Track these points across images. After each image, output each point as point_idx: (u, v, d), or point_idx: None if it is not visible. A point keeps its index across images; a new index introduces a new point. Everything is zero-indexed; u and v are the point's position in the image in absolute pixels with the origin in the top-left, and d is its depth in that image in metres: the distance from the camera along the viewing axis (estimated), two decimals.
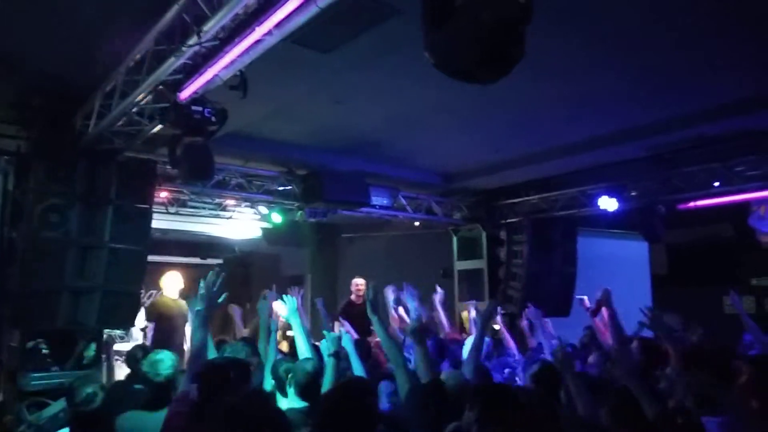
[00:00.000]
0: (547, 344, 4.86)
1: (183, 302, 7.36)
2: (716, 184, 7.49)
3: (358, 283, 8.12)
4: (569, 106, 6.18)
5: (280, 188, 7.95)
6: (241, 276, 10.29)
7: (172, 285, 7.51)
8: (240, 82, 4.28)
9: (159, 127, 4.97)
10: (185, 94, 4.33)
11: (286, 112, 6.21)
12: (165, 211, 8.65)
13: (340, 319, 6.69)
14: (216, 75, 4.06)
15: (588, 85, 5.69)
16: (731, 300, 5.93)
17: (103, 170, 5.81)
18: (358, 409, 2.44)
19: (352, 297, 8.17)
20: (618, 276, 9.73)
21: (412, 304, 5.85)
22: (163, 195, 7.65)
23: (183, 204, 8.75)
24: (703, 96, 6.01)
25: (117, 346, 7.69)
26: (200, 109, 4.47)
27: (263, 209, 9.21)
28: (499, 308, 5.28)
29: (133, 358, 5.10)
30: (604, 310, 4.73)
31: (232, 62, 3.86)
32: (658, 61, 5.18)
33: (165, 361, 3.72)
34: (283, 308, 4.55)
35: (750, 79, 5.57)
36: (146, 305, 7.79)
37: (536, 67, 4.82)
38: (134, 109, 4.82)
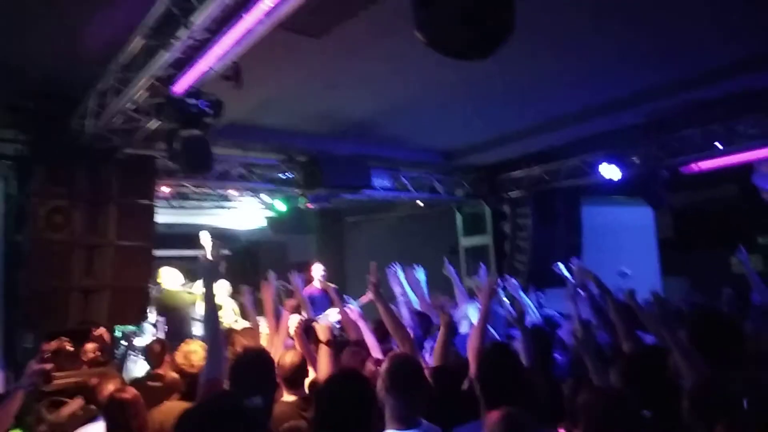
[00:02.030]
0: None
1: (186, 293, 7.52)
2: (718, 144, 7.44)
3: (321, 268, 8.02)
4: (566, 76, 6.14)
5: (281, 176, 7.95)
6: (248, 265, 10.31)
7: (171, 278, 7.69)
8: (234, 73, 4.27)
9: (156, 122, 4.97)
10: (180, 87, 4.33)
11: (282, 100, 6.20)
12: (168, 205, 8.69)
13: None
14: (209, 67, 4.05)
15: (584, 54, 5.65)
16: (738, 255, 5.78)
17: (103, 169, 5.84)
18: (357, 398, 2.43)
19: (316, 284, 7.95)
20: (624, 243, 9.77)
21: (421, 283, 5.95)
22: (165, 190, 7.68)
23: (186, 197, 8.79)
24: (698, 58, 5.97)
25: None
26: (196, 101, 4.47)
27: (266, 198, 9.25)
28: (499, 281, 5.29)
29: (152, 352, 5.15)
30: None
31: (225, 53, 3.85)
32: (652, 26, 5.14)
33: (198, 351, 3.77)
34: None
35: (744, 39, 5.53)
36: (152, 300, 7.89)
37: (531, 39, 4.80)
38: (130, 106, 4.82)
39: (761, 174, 9.32)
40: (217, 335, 2.79)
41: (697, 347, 2.78)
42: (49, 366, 3.41)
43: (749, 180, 9.65)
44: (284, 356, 3.57)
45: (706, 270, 10.65)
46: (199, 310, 7.98)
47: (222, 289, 7.85)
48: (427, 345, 4.49)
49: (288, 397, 3.50)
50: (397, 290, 5.56)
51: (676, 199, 11.30)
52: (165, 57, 3.91)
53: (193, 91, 4.43)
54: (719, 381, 2.40)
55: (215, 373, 2.64)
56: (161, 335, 6.95)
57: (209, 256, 2.96)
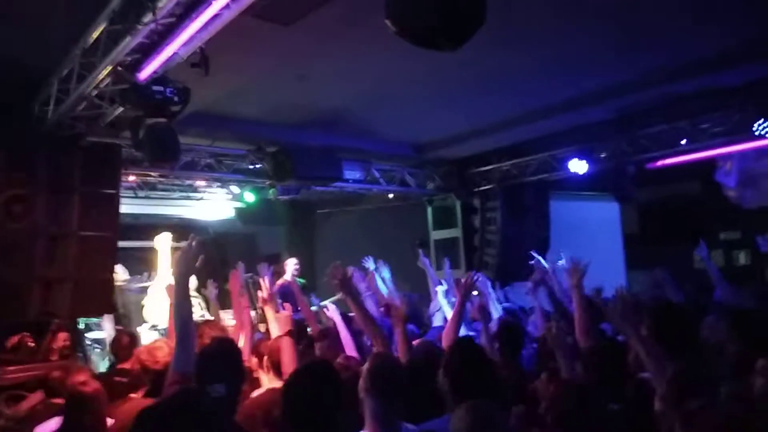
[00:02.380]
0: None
1: (127, 291, 7.84)
2: (683, 142, 7.59)
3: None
4: (537, 70, 6.18)
5: (251, 167, 7.85)
6: (217, 257, 10.18)
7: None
8: (201, 59, 4.19)
9: (120, 109, 4.84)
10: (145, 74, 4.22)
11: (250, 89, 6.11)
12: (134, 195, 8.52)
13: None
14: (175, 53, 3.96)
15: (553, 50, 5.69)
16: (698, 250, 5.91)
17: (66, 157, 5.68)
18: (325, 391, 2.39)
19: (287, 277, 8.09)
20: (590, 237, 9.91)
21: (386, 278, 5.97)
22: (131, 179, 7.52)
23: (153, 187, 8.64)
24: (667, 55, 6.05)
25: (91, 335, 7.62)
26: (161, 89, 4.37)
27: (235, 189, 9.13)
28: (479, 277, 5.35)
29: (119, 344, 5.04)
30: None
31: (191, 38, 3.76)
32: (623, 21, 5.19)
33: (162, 347, 3.69)
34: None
35: (712, 36, 5.62)
36: None
37: (501, 34, 4.80)
38: (93, 93, 4.69)
39: (723, 171, 9.59)
40: (187, 328, 2.71)
41: (657, 339, 2.83)
42: None
43: (712, 177, 9.90)
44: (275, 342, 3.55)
45: (669, 265, 10.89)
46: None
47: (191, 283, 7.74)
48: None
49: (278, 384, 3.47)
50: (361, 286, 5.55)
51: (642, 195, 11.52)
52: (129, 42, 3.81)
53: (159, 78, 4.32)
54: (692, 371, 2.44)
55: (185, 367, 2.57)
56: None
57: (187, 250, 2.85)
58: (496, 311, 5.38)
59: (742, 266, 11.23)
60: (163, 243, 7.53)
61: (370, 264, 6.14)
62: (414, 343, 4.08)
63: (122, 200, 6.45)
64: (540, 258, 5.46)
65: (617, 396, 2.99)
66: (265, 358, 3.64)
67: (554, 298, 4.82)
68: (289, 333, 3.64)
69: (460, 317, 4.28)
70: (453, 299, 5.54)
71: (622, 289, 3.22)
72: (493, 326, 4.40)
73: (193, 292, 8.09)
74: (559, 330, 3.52)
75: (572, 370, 3.27)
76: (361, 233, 10.65)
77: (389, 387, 2.58)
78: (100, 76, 4.34)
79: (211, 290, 6.03)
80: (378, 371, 2.62)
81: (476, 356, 3.03)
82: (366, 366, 2.69)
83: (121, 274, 7.89)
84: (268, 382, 3.60)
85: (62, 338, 5.70)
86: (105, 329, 7.30)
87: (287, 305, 4.41)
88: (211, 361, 2.69)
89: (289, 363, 3.44)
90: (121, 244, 6.60)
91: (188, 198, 9.36)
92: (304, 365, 2.79)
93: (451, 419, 2.34)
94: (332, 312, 4.74)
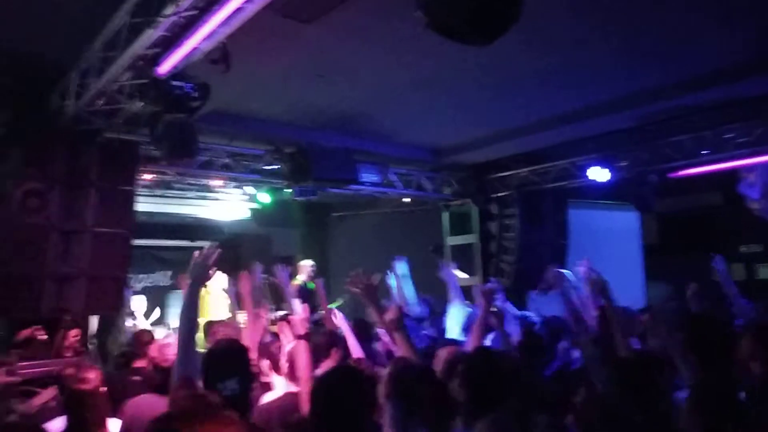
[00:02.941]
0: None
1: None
2: (705, 152, 7.43)
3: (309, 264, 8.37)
4: (558, 76, 6.07)
5: (267, 167, 7.79)
6: (231, 258, 10.15)
7: None
8: (221, 56, 4.13)
9: (139, 105, 4.79)
10: (164, 68, 4.16)
11: (269, 88, 6.06)
12: (150, 193, 8.50)
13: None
14: (196, 47, 3.90)
15: (577, 55, 5.59)
16: (715, 264, 5.74)
17: (83, 152, 5.65)
18: (355, 395, 2.31)
19: (302, 278, 8.18)
20: (609, 247, 9.74)
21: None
22: (147, 177, 7.48)
23: (169, 186, 8.62)
24: (692, 64, 5.93)
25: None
26: (181, 84, 4.31)
27: (251, 189, 9.08)
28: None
29: (140, 341, 5.00)
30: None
31: (212, 33, 3.70)
32: (646, 29, 5.10)
33: (172, 345, 3.63)
34: None
35: (738, 46, 5.50)
36: None
37: (525, 38, 4.75)
38: (113, 87, 4.64)
39: (747, 183, 9.37)
40: (191, 333, 2.66)
41: (692, 350, 2.72)
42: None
43: (734, 188, 9.70)
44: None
45: (688, 276, 10.69)
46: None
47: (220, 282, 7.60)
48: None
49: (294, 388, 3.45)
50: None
51: (662, 205, 11.33)
52: (151, 35, 3.75)
53: (179, 73, 4.26)
54: (717, 383, 2.33)
55: (188, 371, 2.51)
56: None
57: (203, 256, 2.82)
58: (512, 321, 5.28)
59: (763, 280, 11.02)
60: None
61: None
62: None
63: (138, 198, 6.42)
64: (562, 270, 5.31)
65: (646, 410, 2.87)
66: (282, 360, 3.59)
67: (570, 304, 4.64)
68: (305, 336, 3.56)
69: (485, 324, 4.20)
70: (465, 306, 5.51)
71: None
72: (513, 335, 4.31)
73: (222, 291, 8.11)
74: (594, 347, 3.40)
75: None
76: (376, 237, 10.58)
77: (410, 393, 2.50)
78: (120, 70, 4.29)
79: (230, 289, 5.96)
80: (400, 376, 2.55)
81: (496, 366, 2.92)
82: (387, 370, 2.63)
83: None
84: (284, 385, 3.53)
85: (73, 334, 5.66)
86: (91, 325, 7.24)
87: (305, 306, 4.34)
88: (221, 359, 2.68)
89: (303, 367, 3.38)
90: (136, 242, 6.57)
91: (204, 198, 9.35)
92: (333, 369, 2.72)
93: None
94: (339, 319, 4.64)
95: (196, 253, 2.86)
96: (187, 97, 4.36)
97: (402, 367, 2.64)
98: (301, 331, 3.64)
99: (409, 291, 5.97)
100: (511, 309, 5.43)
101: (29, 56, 5.01)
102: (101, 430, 3.08)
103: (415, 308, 6.05)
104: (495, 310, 4.88)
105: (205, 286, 3.04)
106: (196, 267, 2.80)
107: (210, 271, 2.82)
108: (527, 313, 6.30)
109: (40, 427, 3.14)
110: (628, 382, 3.13)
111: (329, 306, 5.52)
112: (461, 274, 8.96)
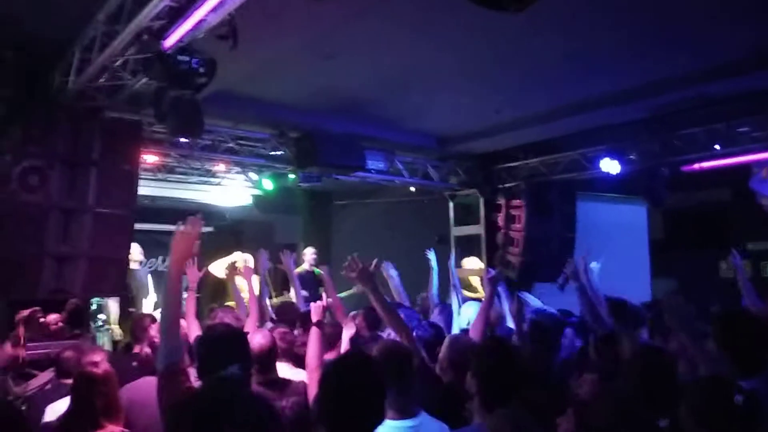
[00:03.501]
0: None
1: (141, 273, 7.88)
2: (717, 146, 7.28)
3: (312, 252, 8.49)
4: (569, 65, 5.93)
5: (272, 152, 7.67)
6: (232, 244, 10.04)
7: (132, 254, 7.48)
8: (229, 30, 3.99)
9: (143, 81, 4.66)
10: (170, 41, 4.02)
11: (275, 69, 5.91)
12: (153, 177, 8.40)
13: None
14: (203, 19, 3.75)
15: (589, 44, 5.47)
16: (732, 260, 5.63)
17: (85, 130, 5.52)
18: (363, 383, 2.21)
19: (306, 266, 8.26)
20: (616, 241, 9.62)
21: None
22: (150, 160, 7.36)
23: (171, 170, 8.52)
24: (706, 55, 5.79)
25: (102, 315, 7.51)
26: (187, 59, 4.17)
27: (254, 175, 8.97)
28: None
29: (140, 326, 4.89)
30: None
31: (220, 3, 3.55)
32: (659, 19, 4.96)
33: None
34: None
35: (753, 37, 5.36)
36: None
37: (535, 24, 4.64)
38: (116, 62, 4.50)
39: (759, 178, 9.22)
40: (177, 316, 2.48)
41: (723, 348, 2.60)
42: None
43: (743, 184, 9.54)
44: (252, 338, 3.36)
45: (694, 272, 10.60)
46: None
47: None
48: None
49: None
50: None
51: (670, 200, 11.22)
52: (156, 4, 3.61)
53: (185, 48, 4.12)
54: (720, 386, 2.22)
55: (173, 358, 2.37)
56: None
57: (183, 230, 2.54)
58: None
59: None
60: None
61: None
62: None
63: (140, 181, 6.30)
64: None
65: (663, 409, 2.74)
66: (280, 343, 3.56)
67: (586, 296, 4.57)
68: (317, 324, 3.46)
69: (489, 311, 4.17)
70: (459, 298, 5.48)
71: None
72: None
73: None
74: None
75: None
76: (380, 226, 10.47)
77: (402, 373, 2.60)
78: (124, 43, 4.15)
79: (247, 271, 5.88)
80: (388, 358, 2.62)
81: (509, 357, 2.81)
82: (375, 355, 2.64)
83: (137, 254, 7.76)
84: (289, 372, 3.46)
85: (54, 320, 5.56)
86: (111, 310, 7.19)
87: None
88: (220, 345, 2.58)
89: (314, 355, 3.32)
90: (137, 226, 6.45)
91: (206, 183, 9.24)
92: (344, 355, 2.64)
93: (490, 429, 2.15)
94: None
95: (179, 225, 2.56)
96: (193, 72, 4.22)
97: (388, 350, 2.76)
98: (318, 317, 3.53)
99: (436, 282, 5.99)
100: (532, 300, 5.33)
101: (30, 30, 4.86)
102: (110, 418, 2.96)
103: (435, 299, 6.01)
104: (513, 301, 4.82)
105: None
106: (179, 241, 2.53)
107: (194, 247, 2.56)
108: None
109: (21, 414, 3.04)
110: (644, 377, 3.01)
111: (339, 295, 5.43)
112: (475, 264, 8.87)
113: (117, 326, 7.46)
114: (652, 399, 2.70)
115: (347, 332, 4.12)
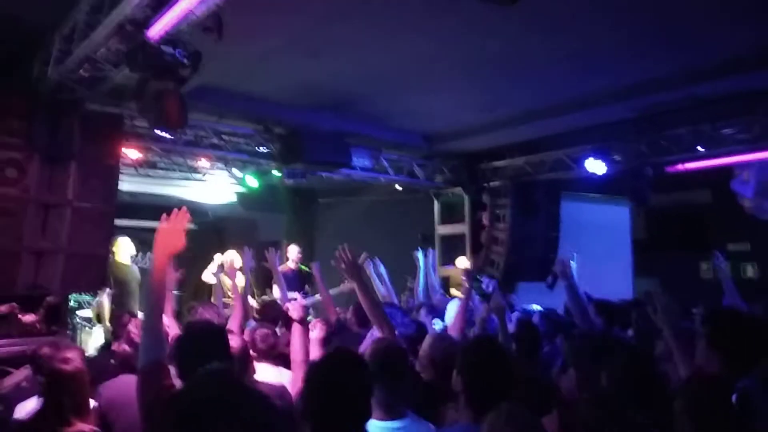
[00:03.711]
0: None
1: (135, 267, 7.54)
2: (702, 148, 7.32)
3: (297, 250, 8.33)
4: (556, 65, 5.94)
5: (257, 148, 7.56)
6: (215, 241, 9.92)
7: (123, 250, 7.47)
8: (215, 22, 3.90)
9: (124, 73, 4.54)
10: (154, 32, 3.91)
11: (262, 65, 5.85)
12: (135, 173, 8.25)
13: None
14: (190, 11, 3.66)
15: (575, 44, 5.46)
16: (716, 261, 5.62)
17: (64, 123, 5.39)
18: (348, 381, 2.15)
19: (290, 264, 8.11)
20: (599, 240, 9.67)
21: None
22: (132, 156, 7.23)
23: (153, 166, 8.38)
24: (692, 56, 5.80)
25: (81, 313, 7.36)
26: (171, 50, 4.05)
27: (238, 172, 8.85)
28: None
29: (119, 323, 4.79)
30: None
31: None
32: (646, 19, 4.97)
33: None
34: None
35: (740, 38, 5.38)
36: None
37: (524, 22, 4.67)
38: (98, 52, 4.38)
39: (740, 180, 9.31)
40: (156, 312, 2.37)
41: (714, 347, 2.58)
42: None
43: (724, 186, 9.64)
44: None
45: (675, 272, 10.69)
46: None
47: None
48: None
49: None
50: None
51: (652, 200, 11.31)
52: None
53: (169, 39, 4.01)
54: (711, 381, 2.21)
55: (155, 355, 2.27)
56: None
57: (168, 225, 2.42)
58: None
59: (749, 279, 11.04)
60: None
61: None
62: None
63: (121, 177, 6.17)
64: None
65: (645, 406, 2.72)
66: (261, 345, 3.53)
67: (575, 294, 4.54)
68: (301, 321, 3.40)
69: (467, 308, 4.16)
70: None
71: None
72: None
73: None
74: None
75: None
76: (364, 224, 10.40)
77: (394, 373, 2.52)
78: (107, 33, 4.03)
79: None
80: (381, 357, 2.55)
81: (497, 355, 2.76)
82: (368, 352, 2.59)
83: (129, 249, 7.59)
84: (270, 370, 3.38)
85: (29, 320, 5.43)
86: (104, 306, 7.04)
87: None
88: (200, 342, 2.51)
89: (298, 351, 3.26)
90: (117, 222, 6.33)
91: (189, 179, 9.09)
92: (330, 353, 2.56)
93: (487, 427, 2.08)
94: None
95: (164, 219, 2.44)
96: (177, 64, 4.11)
97: (382, 348, 2.67)
98: (299, 315, 3.46)
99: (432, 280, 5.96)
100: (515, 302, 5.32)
101: (9, 18, 4.72)
102: (80, 416, 2.87)
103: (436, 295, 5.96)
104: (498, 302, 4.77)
105: None
106: (163, 236, 2.40)
107: (180, 243, 2.42)
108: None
109: None
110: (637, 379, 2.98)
111: (331, 291, 5.36)
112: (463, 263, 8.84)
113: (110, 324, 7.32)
114: (635, 398, 2.68)
115: (316, 334, 3.89)
